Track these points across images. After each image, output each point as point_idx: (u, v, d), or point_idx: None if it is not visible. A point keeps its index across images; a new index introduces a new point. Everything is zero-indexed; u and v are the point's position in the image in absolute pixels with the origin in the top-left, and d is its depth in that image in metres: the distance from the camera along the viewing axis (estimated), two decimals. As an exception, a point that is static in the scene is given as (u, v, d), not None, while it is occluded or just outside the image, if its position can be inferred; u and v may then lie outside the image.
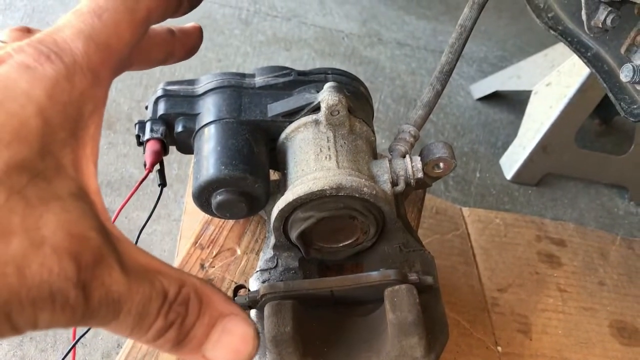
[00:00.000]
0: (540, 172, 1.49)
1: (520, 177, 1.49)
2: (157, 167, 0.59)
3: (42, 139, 0.24)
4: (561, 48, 1.50)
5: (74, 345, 0.60)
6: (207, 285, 0.28)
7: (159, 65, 0.39)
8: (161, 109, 0.60)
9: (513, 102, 1.74)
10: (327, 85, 0.58)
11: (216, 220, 0.67)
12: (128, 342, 0.58)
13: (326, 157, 0.55)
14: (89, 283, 0.23)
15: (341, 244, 0.58)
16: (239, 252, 0.65)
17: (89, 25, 0.27)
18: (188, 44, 0.39)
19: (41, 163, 0.23)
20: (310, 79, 0.62)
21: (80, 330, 0.61)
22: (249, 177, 0.55)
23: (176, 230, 1.21)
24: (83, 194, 0.25)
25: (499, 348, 0.92)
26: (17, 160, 0.22)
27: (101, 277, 0.23)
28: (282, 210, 0.54)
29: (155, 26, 0.35)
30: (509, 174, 1.50)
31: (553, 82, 1.43)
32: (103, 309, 0.23)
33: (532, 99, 1.50)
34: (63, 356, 0.62)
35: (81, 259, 0.23)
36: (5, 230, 0.21)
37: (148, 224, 0.60)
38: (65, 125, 0.25)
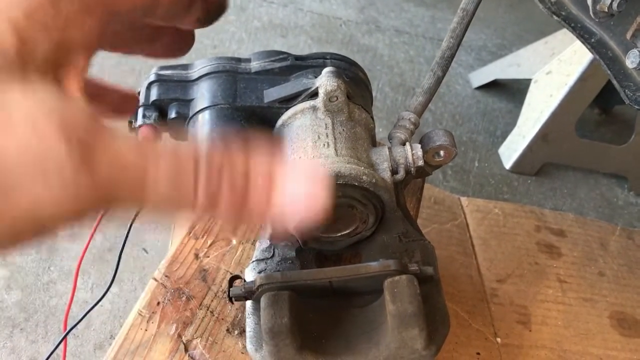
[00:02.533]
0: (539, 162, 1.48)
1: (520, 166, 1.48)
2: (150, 154, 0.58)
3: (19, 60, 0.22)
4: (561, 36, 1.49)
5: (65, 336, 0.59)
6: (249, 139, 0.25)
7: (141, 52, 0.36)
8: (154, 94, 0.58)
9: (512, 91, 1.72)
10: (326, 70, 0.56)
11: (211, 209, 0.66)
12: (121, 334, 0.57)
13: (324, 145, 0.54)
14: (87, 145, 0.21)
15: (339, 234, 0.56)
16: (234, 241, 0.64)
17: None
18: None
19: (19, 67, 0.22)
20: (308, 64, 0.60)
21: (72, 321, 0.60)
22: (244, 165, 0.53)
23: (171, 219, 1.20)
24: (65, 90, 0.24)
25: (498, 339, 0.91)
26: None
27: (102, 140, 0.21)
28: (278, 199, 0.52)
29: None
30: (508, 163, 1.49)
31: (553, 70, 1.42)
32: (121, 184, 0.21)
33: (532, 88, 1.49)
34: (54, 347, 0.61)
35: (72, 126, 0.21)
36: None
37: (141, 212, 0.59)
38: (47, 50, 0.23)
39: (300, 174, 0.24)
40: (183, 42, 0.38)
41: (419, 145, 0.58)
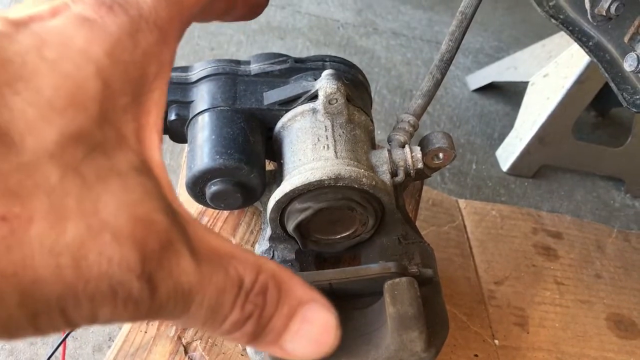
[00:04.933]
0: (536, 164, 1.48)
1: (517, 168, 1.48)
2: (150, 156, 0.58)
3: (101, 105, 0.20)
4: (559, 39, 1.49)
5: (64, 339, 0.59)
6: (285, 270, 0.25)
7: (218, 19, 0.34)
8: (154, 96, 0.58)
9: (509, 94, 1.72)
10: (325, 72, 0.56)
11: (210, 211, 0.66)
12: (120, 336, 0.57)
13: (324, 147, 0.54)
14: (154, 274, 0.20)
15: (339, 236, 0.57)
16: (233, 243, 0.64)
17: None
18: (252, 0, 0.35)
19: (100, 133, 0.20)
20: (308, 67, 0.60)
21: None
22: (244, 167, 0.53)
23: (169, 221, 1.19)
24: (146, 168, 0.22)
25: (496, 341, 0.91)
26: (72, 130, 0.19)
27: (169, 266, 0.20)
28: (278, 201, 0.52)
29: None
30: (505, 165, 1.49)
31: (550, 73, 1.42)
32: (171, 303, 0.21)
33: (529, 90, 1.49)
34: (53, 350, 0.61)
35: (146, 246, 0.20)
36: (59, 215, 0.18)
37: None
38: (127, 89, 0.22)
39: (315, 324, 0.25)
40: (256, 6, 0.37)
41: (418, 148, 0.58)
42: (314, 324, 0.25)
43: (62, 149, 0.19)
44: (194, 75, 0.59)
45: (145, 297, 0.20)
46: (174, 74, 0.60)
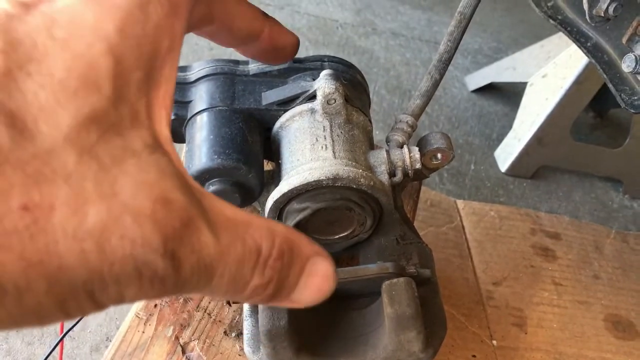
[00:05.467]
0: (535, 165, 1.48)
1: (515, 169, 1.48)
2: (148, 155, 0.58)
3: (115, 83, 0.20)
4: (557, 39, 1.49)
5: (61, 339, 0.59)
6: (293, 231, 0.25)
7: (238, 43, 0.34)
8: (152, 96, 0.58)
9: (508, 94, 1.73)
10: (324, 73, 0.56)
11: (208, 211, 0.65)
12: (118, 336, 0.57)
13: (322, 147, 0.54)
14: (177, 252, 0.20)
15: (337, 236, 0.57)
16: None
17: None
18: (278, 39, 0.35)
19: (114, 112, 0.20)
20: (306, 67, 0.60)
21: (68, 323, 0.60)
22: (242, 167, 0.53)
23: (167, 221, 1.19)
24: (158, 145, 0.21)
25: (494, 342, 0.91)
26: (86, 111, 0.19)
27: (191, 243, 0.20)
28: (276, 201, 0.52)
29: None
30: (503, 166, 1.50)
31: (549, 73, 1.42)
32: (195, 278, 0.21)
33: (528, 91, 1.49)
34: (51, 349, 0.61)
35: (167, 226, 0.20)
36: (79, 200, 0.18)
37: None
38: (140, 64, 0.21)
39: (318, 275, 0.26)
40: (281, 49, 0.36)
41: (417, 148, 0.58)
42: (317, 275, 0.26)
43: (77, 132, 0.19)
44: (192, 75, 0.59)
45: (170, 274, 0.20)
46: (172, 74, 0.60)
